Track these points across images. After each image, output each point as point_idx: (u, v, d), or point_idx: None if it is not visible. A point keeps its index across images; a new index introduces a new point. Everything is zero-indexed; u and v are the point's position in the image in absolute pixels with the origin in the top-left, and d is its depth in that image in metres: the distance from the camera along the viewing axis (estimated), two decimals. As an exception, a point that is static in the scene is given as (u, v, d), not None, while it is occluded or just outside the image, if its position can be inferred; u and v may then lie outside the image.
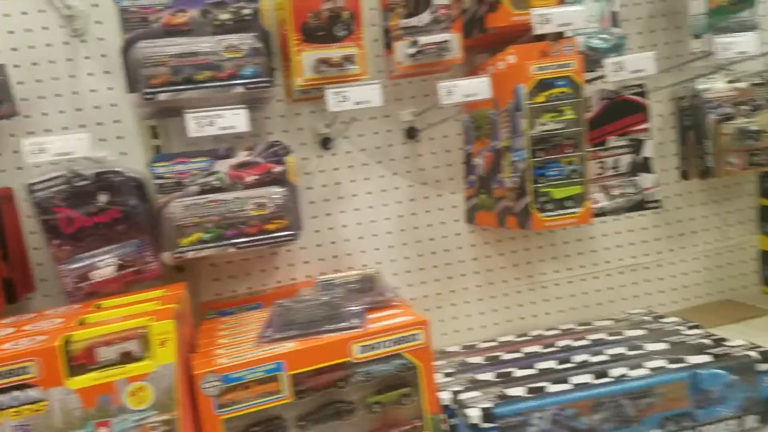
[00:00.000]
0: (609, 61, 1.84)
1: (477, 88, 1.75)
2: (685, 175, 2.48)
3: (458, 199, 2.36)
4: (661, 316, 2.00)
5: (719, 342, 1.65)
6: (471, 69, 2.21)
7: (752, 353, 1.54)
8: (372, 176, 2.30)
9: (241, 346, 1.54)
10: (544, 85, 1.88)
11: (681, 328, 1.82)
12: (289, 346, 1.48)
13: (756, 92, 2.36)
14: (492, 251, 2.43)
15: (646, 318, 1.99)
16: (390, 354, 1.48)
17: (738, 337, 2.04)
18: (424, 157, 2.34)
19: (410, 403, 1.49)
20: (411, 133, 2.28)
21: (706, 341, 1.68)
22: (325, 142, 2.16)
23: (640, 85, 2.01)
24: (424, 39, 1.91)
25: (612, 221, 2.51)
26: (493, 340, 2.12)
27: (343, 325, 1.50)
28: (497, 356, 1.87)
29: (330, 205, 2.26)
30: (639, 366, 1.56)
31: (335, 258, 2.26)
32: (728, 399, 1.47)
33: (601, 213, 2.00)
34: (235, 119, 1.65)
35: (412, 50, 1.94)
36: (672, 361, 1.56)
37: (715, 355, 1.57)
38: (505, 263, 2.45)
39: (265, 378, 1.45)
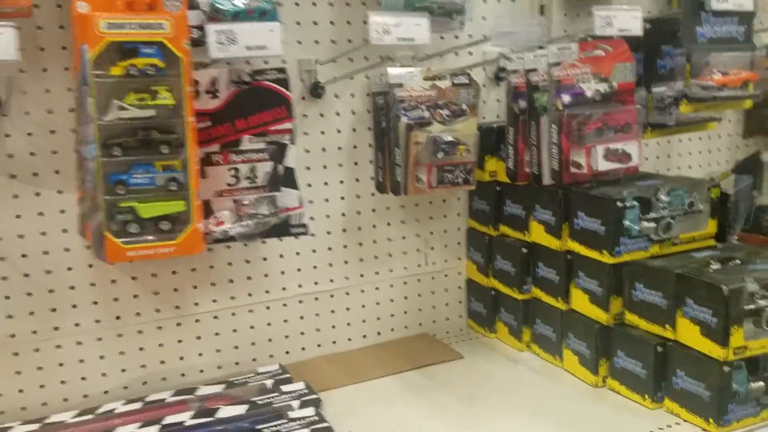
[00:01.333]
0: (213, 29, 1.25)
1: (-16, 40, 1.09)
2: (381, 188, 2.02)
3: (68, 202, 1.61)
4: (288, 381, 1.47)
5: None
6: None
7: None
8: None
9: None
10: (124, 50, 1.24)
11: (294, 404, 1.29)
12: None
13: (459, 94, 1.94)
14: (120, 274, 1.73)
15: (267, 383, 1.46)
16: None
17: (405, 394, 1.61)
18: (14, 139, 1.55)
19: None
20: (-15, 105, 1.54)
21: None
22: None
23: (282, 70, 1.47)
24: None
25: (293, 239, 1.98)
26: (38, 421, 1.45)
27: None
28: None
29: None
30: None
31: None
32: None
33: (224, 238, 1.43)
34: None
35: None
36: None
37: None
38: (141, 290, 1.77)
39: None
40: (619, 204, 1.52)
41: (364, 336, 2.04)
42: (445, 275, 2.14)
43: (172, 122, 1.23)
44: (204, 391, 1.48)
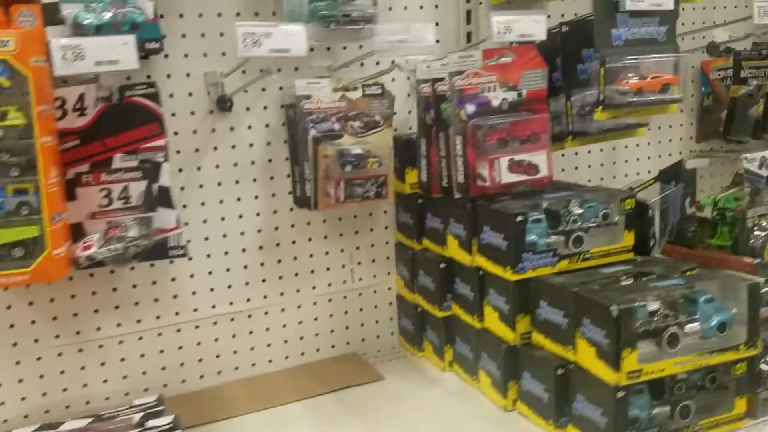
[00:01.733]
0: (56, 44, 1.19)
1: None
2: (299, 203, 1.96)
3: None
4: (159, 414, 1.42)
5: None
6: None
7: None
8: None
9: None
10: (-33, 69, 1.22)
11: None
12: None
13: (371, 105, 1.89)
14: (16, 300, 1.64)
15: (135, 417, 1.40)
16: None
17: (308, 421, 1.55)
18: None
19: None
20: None
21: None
22: None
23: (151, 85, 1.42)
24: None
25: (205, 258, 1.93)
26: None
27: None
28: None
29: None
30: None
31: None
32: None
33: (92, 263, 1.38)
34: None
35: None
36: None
37: None
38: (38, 316, 1.69)
39: None
40: (519, 218, 1.46)
41: (287, 357, 1.98)
42: (374, 291, 2.08)
43: (22, 143, 1.18)
44: (69, 426, 1.43)
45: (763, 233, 1.50)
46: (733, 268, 1.48)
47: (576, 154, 2.29)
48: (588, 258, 1.54)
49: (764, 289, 1.53)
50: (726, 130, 2.45)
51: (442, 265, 1.78)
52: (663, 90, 1.63)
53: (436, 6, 2.02)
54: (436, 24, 2.01)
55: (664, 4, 1.62)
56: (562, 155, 2.26)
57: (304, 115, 1.74)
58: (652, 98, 1.62)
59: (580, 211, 1.55)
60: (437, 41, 2.00)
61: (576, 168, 2.29)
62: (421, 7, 2.00)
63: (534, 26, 1.47)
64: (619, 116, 1.64)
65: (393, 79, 1.95)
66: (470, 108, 1.57)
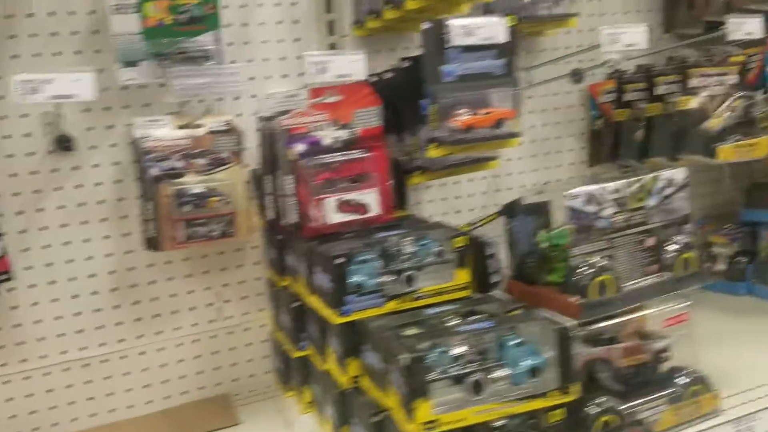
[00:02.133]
0: None
1: None
2: (152, 244, 1.92)
3: None
4: None
5: None
6: None
7: None
8: None
9: None
10: None
11: None
12: None
13: (218, 141, 1.87)
14: None
15: None
16: None
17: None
18: None
19: None
20: None
21: None
22: None
23: None
24: None
25: (51, 303, 1.88)
26: None
27: None
28: None
29: None
30: None
31: None
32: None
33: None
34: None
35: None
36: None
37: None
38: None
39: None
40: (337, 261, 1.43)
41: (149, 402, 1.94)
42: (246, 329, 2.04)
43: None
44: None
45: (591, 271, 1.48)
46: (560, 307, 1.47)
47: (455, 183, 2.28)
48: (420, 297, 1.51)
49: (598, 324, 1.52)
50: (613, 154, 2.46)
51: (295, 304, 1.75)
52: (497, 125, 1.62)
53: (297, 39, 2.01)
54: (298, 57, 2.04)
55: (497, 37, 1.62)
56: (442, 185, 2.27)
57: (143, 153, 1.72)
58: (484, 135, 1.61)
59: (413, 249, 1.53)
60: (301, 73, 2.04)
61: (457, 198, 2.28)
62: (281, 41, 2.00)
63: (351, 66, 1.46)
64: (455, 152, 1.63)
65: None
66: (300, 147, 1.55)
